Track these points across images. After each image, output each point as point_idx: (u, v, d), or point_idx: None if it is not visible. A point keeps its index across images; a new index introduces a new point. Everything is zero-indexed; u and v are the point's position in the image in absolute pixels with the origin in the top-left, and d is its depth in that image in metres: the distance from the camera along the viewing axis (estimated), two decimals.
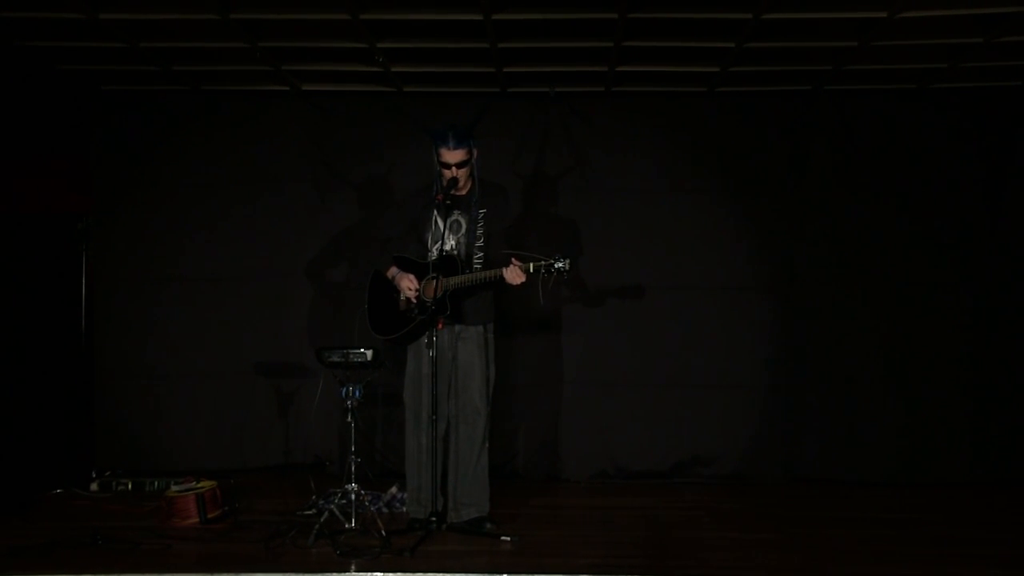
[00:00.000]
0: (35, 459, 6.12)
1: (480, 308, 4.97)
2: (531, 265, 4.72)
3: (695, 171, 6.47)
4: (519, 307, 5.99)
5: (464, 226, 4.96)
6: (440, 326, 4.83)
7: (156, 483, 5.86)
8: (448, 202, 4.86)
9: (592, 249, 6.37)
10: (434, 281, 4.77)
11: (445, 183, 4.85)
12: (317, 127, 6.56)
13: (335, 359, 5.07)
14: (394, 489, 5.61)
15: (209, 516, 5.12)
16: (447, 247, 4.92)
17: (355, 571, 4.31)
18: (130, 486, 5.93)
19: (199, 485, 5.26)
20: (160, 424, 6.52)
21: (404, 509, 5.28)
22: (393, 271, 4.98)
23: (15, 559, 4.42)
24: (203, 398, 6.54)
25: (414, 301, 4.87)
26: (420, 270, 4.94)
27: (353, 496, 4.92)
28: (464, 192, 4.97)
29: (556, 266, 4.67)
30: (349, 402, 4.98)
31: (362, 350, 5.05)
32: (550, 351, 6.41)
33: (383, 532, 4.69)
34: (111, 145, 6.61)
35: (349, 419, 4.98)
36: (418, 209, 5.04)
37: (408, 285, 4.90)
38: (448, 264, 4.84)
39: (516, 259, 4.73)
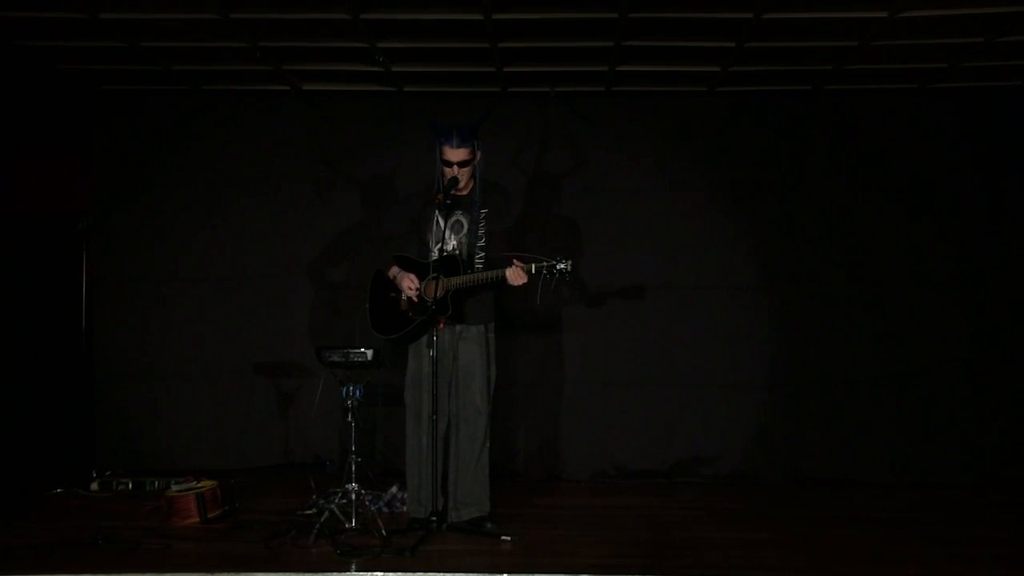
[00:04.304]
0: (35, 459, 6.13)
1: (481, 308, 4.97)
2: (533, 266, 4.72)
3: (695, 171, 6.47)
4: (520, 307, 5.98)
5: (466, 226, 4.96)
6: (441, 326, 4.83)
7: (156, 483, 5.86)
8: (449, 202, 4.86)
9: (592, 249, 6.38)
10: (435, 281, 4.77)
11: (446, 182, 4.85)
12: (317, 127, 6.56)
13: (335, 359, 5.07)
14: (394, 489, 5.61)
15: (209, 516, 5.12)
16: (448, 247, 4.92)
17: (355, 571, 4.31)
18: (130, 486, 5.93)
19: (199, 485, 5.26)
20: (160, 424, 6.52)
21: (404, 509, 5.29)
22: (394, 271, 4.98)
23: (15, 559, 4.42)
24: (203, 398, 6.54)
25: (415, 301, 4.88)
26: (421, 270, 4.94)
27: (353, 496, 4.92)
28: (465, 192, 4.97)
29: (558, 267, 4.69)
30: (349, 402, 4.98)
31: (362, 350, 5.05)
32: (551, 351, 6.42)
33: (383, 532, 4.69)
34: (111, 145, 6.60)
35: (349, 419, 4.98)
36: (419, 208, 5.04)
37: (409, 285, 4.90)
38: (450, 264, 4.84)
39: (518, 260, 4.74)
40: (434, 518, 4.86)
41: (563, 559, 4.48)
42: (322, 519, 4.77)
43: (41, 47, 5.74)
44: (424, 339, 4.89)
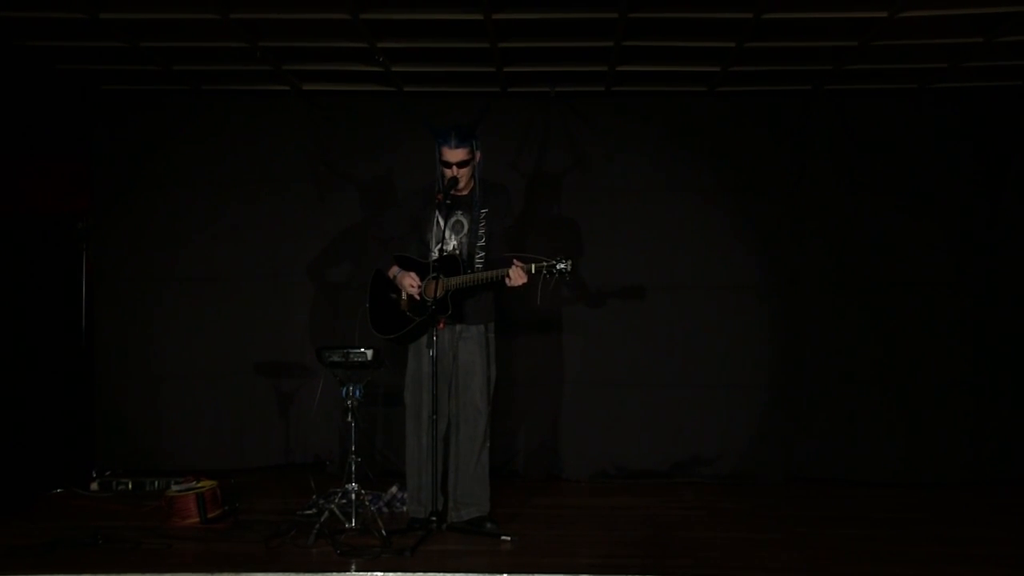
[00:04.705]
0: (35, 459, 6.13)
1: (481, 308, 4.98)
2: (533, 266, 4.72)
3: (695, 171, 6.47)
4: (520, 307, 5.99)
5: (466, 226, 4.96)
6: (441, 326, 4.84)
7: (156, 483, 5.86)
8: (449, 202, 4.86)
9: (592, 249, 6.38)
10: (435, 281, 4.77)
11: (446, 182, 4.86)
12: (317, 127, 6.56)
13: (335, 359, 5.08)
14: (394, 489, 5.61)
15: (209, 516, 5.12)
16: (448, 247, 4.92)
17: (355, 571, 4.31)
18: (130, 486, 5.94)
19: (199, 485, 5.26)
20: (160, 424, 6.53)
21: (404, 509, 5.29)
22: (395, 270, 4.99)
23: (15, 559, 4.42)
24: (203, 398, 6.54)
25: (415, 300, 4.88)
26: (422, 269, 4.94)
27: (353, 496, 4.92)
28: (466, 192, 4.98)
29: (558, 267, 4.69)
30: (349, 402, 4.98)
31: (362, 350, 5.05)
32: (551, 351, 6.42)
33: (383, 532, 4.69)
34: (111, 145, 6.60)
35: (349, 419, 4.99)
36: (419, 208, 5.05)
37: (410, 283, 4.91)
38: (450, 264, 4.85)
39: (518, 260, 4.74)
40: (434, 518, 4.86)
41: (563, 559, 4.48)
42: (322, 519, 4.77)
43: (41, 47, 5.74)
44: (424, 339, 4.89)
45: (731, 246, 6.43)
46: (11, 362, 6.21)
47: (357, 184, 6.52)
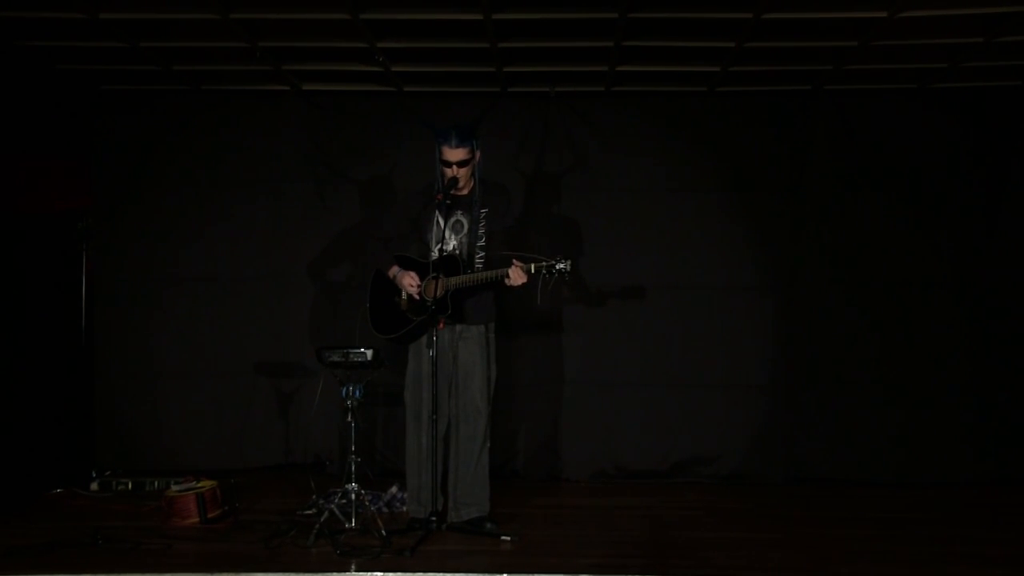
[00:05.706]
0: (35, 459, 6.12)
1: (481, 308, 4.97)
2: (532, 266, 4.73)
3: (695, 171, 6.47)
4: (520, 307, 5.99)
5: (466, 226, 4.97)
6: (441, 326, 4.83)
7: (156, 483, 5.86)
8: (449, 202, 4.87)
9: (592, 249, 6.38)
10: (435, 280, 4.77)
11: (446, 182, 4.86)
12: (317, 127, 6.56)
13: (335, 359, 5.08)
14: (394, 489, 5.61)
15: (209, 516, 5.12)
16: (448, 247, 4.92)
17: (355, 571, 4.31)
18: (130, 486, 5.93)
19: (199, 485, 5.26)
20: (160, 424, 6.53)
21: (404, 509, 5.29)
22: (394, 270, 4.99)
23: (15, 559, 4.42)
24: (203, 398, 6.54)
25: (415, 299, 4.89)
26: (422, 269, 4.94)
27: (353, 496, 4.92)
28: (465, 192, 4.98)
29: (558, 267, 4.69)
30: (349, 402, 4.99)
31: (362, 350, 5.05)
32: (551, 351, 6.41)
33: (383, 532, 4.70)
34: (111, 145, 6.60)
35: (349, 419, 4.99)
36: (419, 208, 5.05)
37: (410, 283, 4.91)
38: (450, 264, 4.85)
39: (518, 260, 4.74)
40: (434, 518, 4.86)
41: (563, 559, 4.48)
42: (322, 519, 4.77)
43: (41, 47, 5.74)
44: (424, 339, 4.89)
45: (731, 245, 6.43)
46: (11, 362, 6.20)
47: (357, 184, 6.52)
